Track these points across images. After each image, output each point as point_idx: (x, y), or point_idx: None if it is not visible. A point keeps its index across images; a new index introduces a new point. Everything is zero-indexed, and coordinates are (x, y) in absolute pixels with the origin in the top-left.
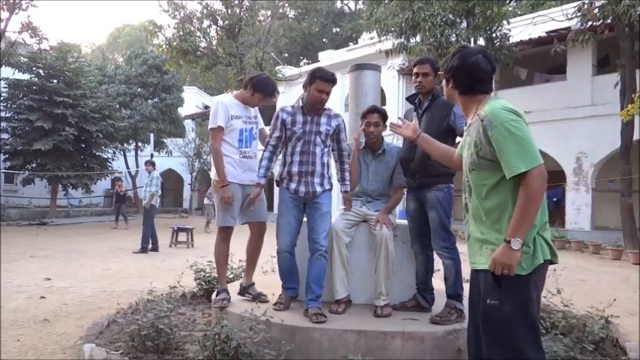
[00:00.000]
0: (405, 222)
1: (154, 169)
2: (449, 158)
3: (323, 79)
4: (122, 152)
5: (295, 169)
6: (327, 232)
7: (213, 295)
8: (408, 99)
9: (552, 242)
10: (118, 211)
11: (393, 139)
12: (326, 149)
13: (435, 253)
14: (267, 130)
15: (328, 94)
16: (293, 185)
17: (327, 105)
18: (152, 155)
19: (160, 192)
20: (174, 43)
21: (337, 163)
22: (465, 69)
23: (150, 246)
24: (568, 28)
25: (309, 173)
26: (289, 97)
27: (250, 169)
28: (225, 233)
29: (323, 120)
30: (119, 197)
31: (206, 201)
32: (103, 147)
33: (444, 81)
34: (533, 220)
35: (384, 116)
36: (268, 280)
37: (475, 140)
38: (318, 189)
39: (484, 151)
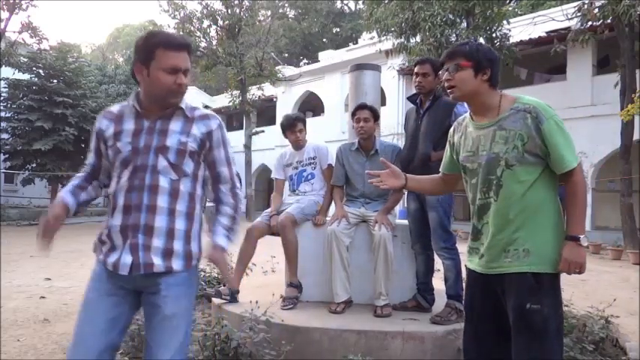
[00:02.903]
0: (405, 222)
1: None
2: (438, 183)
3: (170, 47)
4: None
5: (117, 221)
6: (178, 353)
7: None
8: (409, 99)
9: None
10: None
11: (392, 139)
12: (184, 179)
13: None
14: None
15: (187, 71)
16: (112, 256)
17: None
18: None
19: None
20: None
21: (215, 206)
22: (498, 62)
23: None
24: (568, 28)
25: (139, 229)
26: (289, 98)
27: (299, 202)
28: (249, 232)
29: (174, 126)
30: None
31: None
32: None
33: (471, 71)
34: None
35: (374, 114)
36: (268, 280)
37: (520, 133)
38: (158, 262)
39: (532, 144)
